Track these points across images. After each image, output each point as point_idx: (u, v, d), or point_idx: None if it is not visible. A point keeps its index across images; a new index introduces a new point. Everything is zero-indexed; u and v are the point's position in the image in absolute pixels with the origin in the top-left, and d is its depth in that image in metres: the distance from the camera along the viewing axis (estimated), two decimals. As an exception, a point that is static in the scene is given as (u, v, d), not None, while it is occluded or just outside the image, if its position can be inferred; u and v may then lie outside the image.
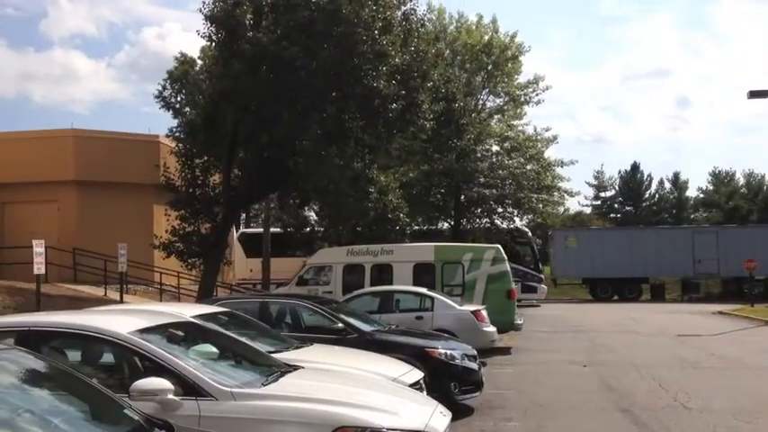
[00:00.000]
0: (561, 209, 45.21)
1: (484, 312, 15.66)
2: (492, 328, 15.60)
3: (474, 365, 10.63)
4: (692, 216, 69.11)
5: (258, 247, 34.08)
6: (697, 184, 77.60)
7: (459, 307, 15.61)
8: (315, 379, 6.27)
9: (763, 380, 12.97)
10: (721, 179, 70.50)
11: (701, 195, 71.24)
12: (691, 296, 38.90)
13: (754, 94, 27.39)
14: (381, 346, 9.82)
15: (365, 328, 10.95)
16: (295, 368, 6.40)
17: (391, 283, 18.57)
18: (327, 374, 6.70)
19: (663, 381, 12.67)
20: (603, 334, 21.25)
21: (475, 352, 11.04)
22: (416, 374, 8.07)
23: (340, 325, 10.65)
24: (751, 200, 56.35)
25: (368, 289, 17.48)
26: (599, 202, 74.46)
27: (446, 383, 9.91)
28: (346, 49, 18.31)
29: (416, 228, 32.42)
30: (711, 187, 70.46)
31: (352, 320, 10.96)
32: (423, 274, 19.16)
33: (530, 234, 37.22)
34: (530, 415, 10.16)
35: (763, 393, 11.75)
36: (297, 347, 8.23)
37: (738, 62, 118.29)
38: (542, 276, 35.96)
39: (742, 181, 68.83)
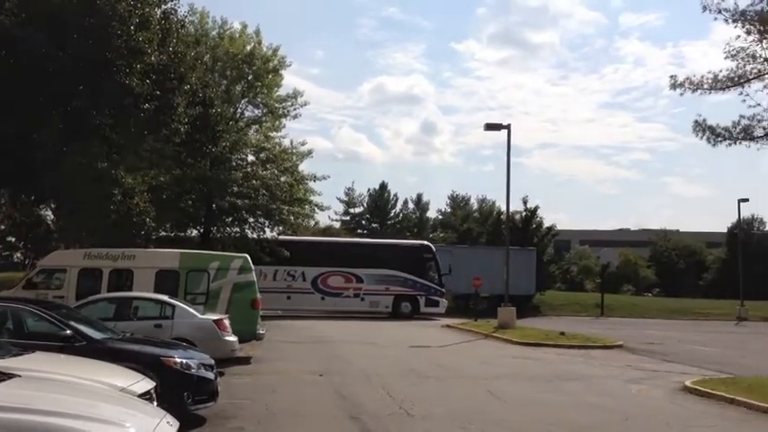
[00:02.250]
0: (312, 222, 46.19)
1: (226, 321, 15.59)
2: (233, 338, 15.57)
3: (210, 375, 10.56)
4: (431, 235, 73.65)
5: None
6: (437, 206, 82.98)
7: (200, 315, 15.40)
8: (32, 388, 5.90)
9: (480, 388, 14.20)
10: (458, 203, 76.13)
11: (440, 217, 76.42)
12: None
13: (489, 127, 30.15)
14: (113, 355, 9.42)
15: (96, 335, 10.44)
16: (10, 376, 5.98)
17: (131, 290, 17.86)
18: (47, 384, 6.33)
19: (391, 389, 13.44)
20: (343, 345, 22.04)
21: (212, 361, 10.96)
22: (146, 384, 7.85)
23: (68, 332, 10.04)
24: (482, 223, 61.46)
25: (103, 295, 16.68)
26: (348, 218, 76.99)
27: (180, 393, 9.74)
28: (99, 42, 17.40)
29: (164, 234, 31.41)
30: (449, 210, 75.83)
31: (82, 327, 10.38)
32: (166, 281, 18.64)
33: (434, 249, 38.35)
34: (262, 424, 10.29)
35: (478, 400, 12.89)
36: (15, 355, 7.66)
37: (480, 96, 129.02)
38: (444, 291, 37.31)
39: (476, 206, 74.83)
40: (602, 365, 18.72)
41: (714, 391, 13.88)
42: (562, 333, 25.54)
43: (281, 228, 35.81)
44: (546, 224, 53.24)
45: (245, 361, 16.96)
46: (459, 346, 22.98)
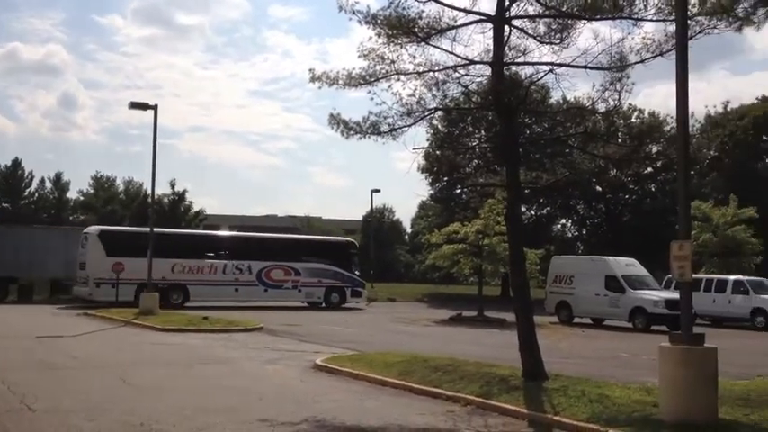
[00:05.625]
0: None
1: None
2: None
3: None
4: (71, 218, 69.06)
5: (122, 245, 34.35)
6: (79, 187, 77.54)
7: None
8: None
9: (114, 377, 13.60)
10: (102, 184, 72.24)
11: (82, 198, 71.86)
12: (59, 297, 38.66)
13: (134, 106, 29.01)
14: None
15: None
16: None
17: None
18: None
19: (13, 384, 12.30)
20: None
21: None
22: None
23: None
24: (127, 206, 59.12)
25: None
26: (-28, 197, 68.95)
27: None
28: None
29: None
30: (92, 191, 71.64)
31: None
32: None
33: (357, 245, 41.62)
34: None
35: (111, 390, 12.34)
36: None
37: (127, 73, 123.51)
38: (364, 282, 41.06)
39: (122, 187, 71.66)
40: (242, 348, 19.12)
41: (341, 368, 14.95)
42: (205, 318, 25.60)
43: None
44: (195, 208, 53.03)
45: None
46: (95, 335, 21.84)
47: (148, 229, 31.01)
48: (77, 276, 34.84)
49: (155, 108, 28.50)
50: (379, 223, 68.36)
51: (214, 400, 11.75)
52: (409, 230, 78.23)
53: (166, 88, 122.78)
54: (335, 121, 13.61)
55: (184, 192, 51.72)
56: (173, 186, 51.28)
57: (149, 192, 32.60)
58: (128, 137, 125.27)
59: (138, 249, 33.09)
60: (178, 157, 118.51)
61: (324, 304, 38.67)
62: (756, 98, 58.35)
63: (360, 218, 76.04)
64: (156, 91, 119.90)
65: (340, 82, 13.43)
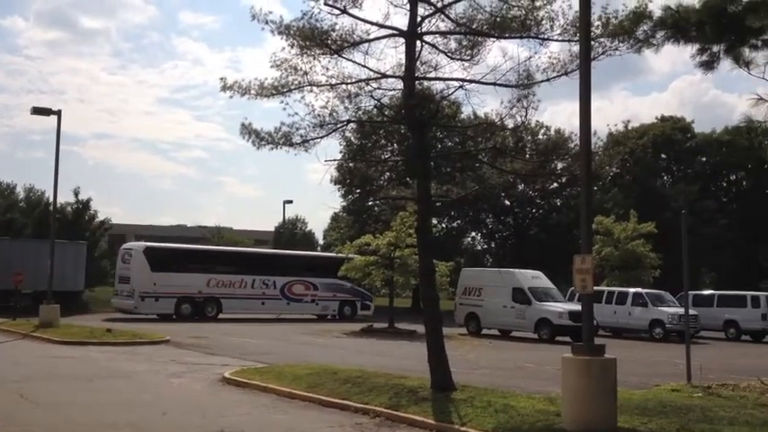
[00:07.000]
0: None
1: None
2: None
3: None
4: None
5: (164, 261, 36.37)
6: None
7: None
8: None
9: (10, 392, 13.00)
10: (1, 191, 69.14)
11: (-21, 205, 68.56)
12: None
13: (37, 111, 27.94)
14: None
15: None
16: None
17: None
18: None
19: None
20: None
21: None
22: None
23: None
24: (28, 214, 56.69)
25: None
26: None
27: None
28: None
29: None
30: None
31: None
32: None
33: None
34: None
35: (6, 405, 11.75)
36: None
37: (29, 76, 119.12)
38: (372, 296, 42.20)
39: (22, 194, 68.70)
40: (147, 361, 18.60)
41: (250, 381, 14.73)
42: (108, 330, 24.79)
43: None
44: (100, 217, 51.43)
45: None
46: (-10, 349, 20.85)
47: (191, 246, 31.55)
48: (117, 290, 36.52)
49: (58, 113, 27.51)
50: (291, 234, 67.83)
51: (116, 415, 11.36)
52: (321, 242, 77.93)
53: (71, 93, 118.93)
54: (247, 130, 13.48)
55: (89, 200, 50.03)
56: (77, 195, 49.52)
57: (51, 200, 31.37)
58: (29, 143, 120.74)
59: (180, 265, 36.83)
60: (83, 165, 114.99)
61: (337, 317, 40.75)
62: (656, 117, 61.21)
63: (272, 229, 75.27)
64: (61, 96, 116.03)
65: (252, 92, 13.32)
